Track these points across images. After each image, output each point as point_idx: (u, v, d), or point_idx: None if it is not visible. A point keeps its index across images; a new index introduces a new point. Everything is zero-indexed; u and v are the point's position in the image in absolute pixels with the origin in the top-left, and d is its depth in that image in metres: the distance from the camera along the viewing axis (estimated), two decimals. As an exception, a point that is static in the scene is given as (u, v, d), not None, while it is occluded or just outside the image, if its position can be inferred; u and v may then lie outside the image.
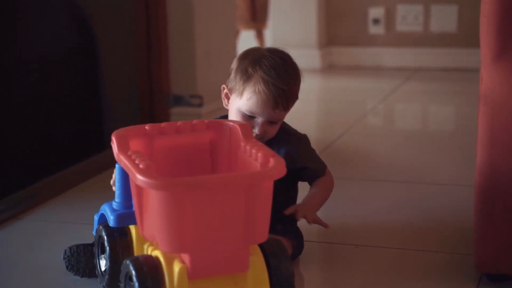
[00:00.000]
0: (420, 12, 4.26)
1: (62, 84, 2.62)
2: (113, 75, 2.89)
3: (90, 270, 1.68)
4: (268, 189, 1.40)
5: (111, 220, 1.57)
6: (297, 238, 1.80)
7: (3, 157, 2.33)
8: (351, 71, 4.36)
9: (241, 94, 1.71)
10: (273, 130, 1.74)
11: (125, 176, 1.56)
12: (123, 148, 1.48)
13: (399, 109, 3.65)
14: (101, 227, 1.61)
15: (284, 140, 1.77)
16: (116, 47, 2.90)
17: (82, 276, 1.69)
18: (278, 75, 1.68)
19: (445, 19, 4.22)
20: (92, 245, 1.69)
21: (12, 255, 1.88)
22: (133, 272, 1.41)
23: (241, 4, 4.31)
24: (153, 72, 2.96)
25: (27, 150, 2.44)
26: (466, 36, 4.20)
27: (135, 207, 1.49)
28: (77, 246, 1.70)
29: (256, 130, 1.71)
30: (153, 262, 1.43)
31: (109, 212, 1.59)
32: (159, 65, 2.95)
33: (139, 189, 1.44)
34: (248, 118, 1.71)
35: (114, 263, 1.57)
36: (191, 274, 1.40)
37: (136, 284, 1.40)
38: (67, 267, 1.70)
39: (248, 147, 1.49)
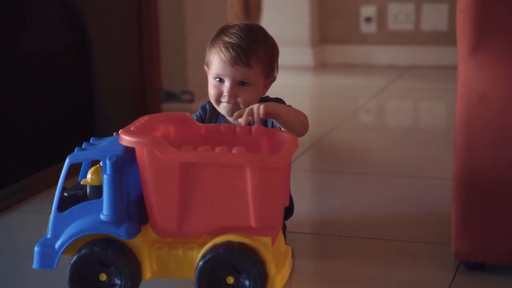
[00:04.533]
0: (411, 10, 4.30)
1: (55, 80, 2.65)
2: (106, 71, 2.93)
3: None
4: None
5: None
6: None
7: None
8: (344, 69, 4.40)
9: (211, 63, 1.75)
10: (245, 93, 1.73)
11: (116, 184, 1.51)
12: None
13: (390, 106, 3.69)
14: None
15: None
16: (109, 43, 2.93)
17: None
18: (237, 36, 1.72)
19: (436, 18, 4.26)
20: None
21: (4, 244, 1.94)
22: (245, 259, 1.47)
23: (234, 2, 4.34)
24: (145, 69, 2.99)
25: (21, 145, 2.48)
26: (457, 35, 4.23)
27: (161, 204, 1.51)
28: None
29: (225, 93, 1.72)
30: (249, 246, 1.49)
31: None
32: (151, 62, 2.98)
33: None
34: (219, 84, 1.73)
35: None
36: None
37: (257, 271, 1.47)
38: None
39: None
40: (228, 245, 1.48)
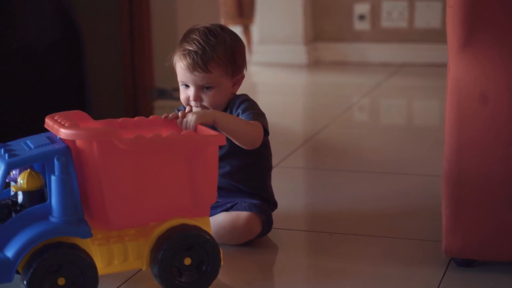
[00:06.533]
0: (405, 8, 4.30)
1: (46, 77, 2.64)
2: (97, 68, 2.92)
3: None
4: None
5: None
6: (264, 212, 1.82)
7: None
8: (337, 66, 4.40)
9: (175, 68, 1.82)
10: (210, 97, 1.78)
11: (66, 184, 1.47)
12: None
13: (383, 104, 3.68)
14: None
15: (233, 104, 1.83)
16: (100, 41, 2.93)
17: None
18: (195, 42, 1.76)
19: (429, 15, 4.26)
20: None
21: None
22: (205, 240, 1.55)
23: (227, 0, 4.34)
24: (137, 66, 2.99)
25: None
26: (451, 32, 4.23)
27: (115, 196, 1.48)
28: None
29: (191, 98, 1.78)
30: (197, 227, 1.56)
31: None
32: (143, 59, 2.98)
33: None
34: (185, 89, 1.80)
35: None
36: None
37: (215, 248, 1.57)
38: None
39: None
40: (185, 228, 1.54)
